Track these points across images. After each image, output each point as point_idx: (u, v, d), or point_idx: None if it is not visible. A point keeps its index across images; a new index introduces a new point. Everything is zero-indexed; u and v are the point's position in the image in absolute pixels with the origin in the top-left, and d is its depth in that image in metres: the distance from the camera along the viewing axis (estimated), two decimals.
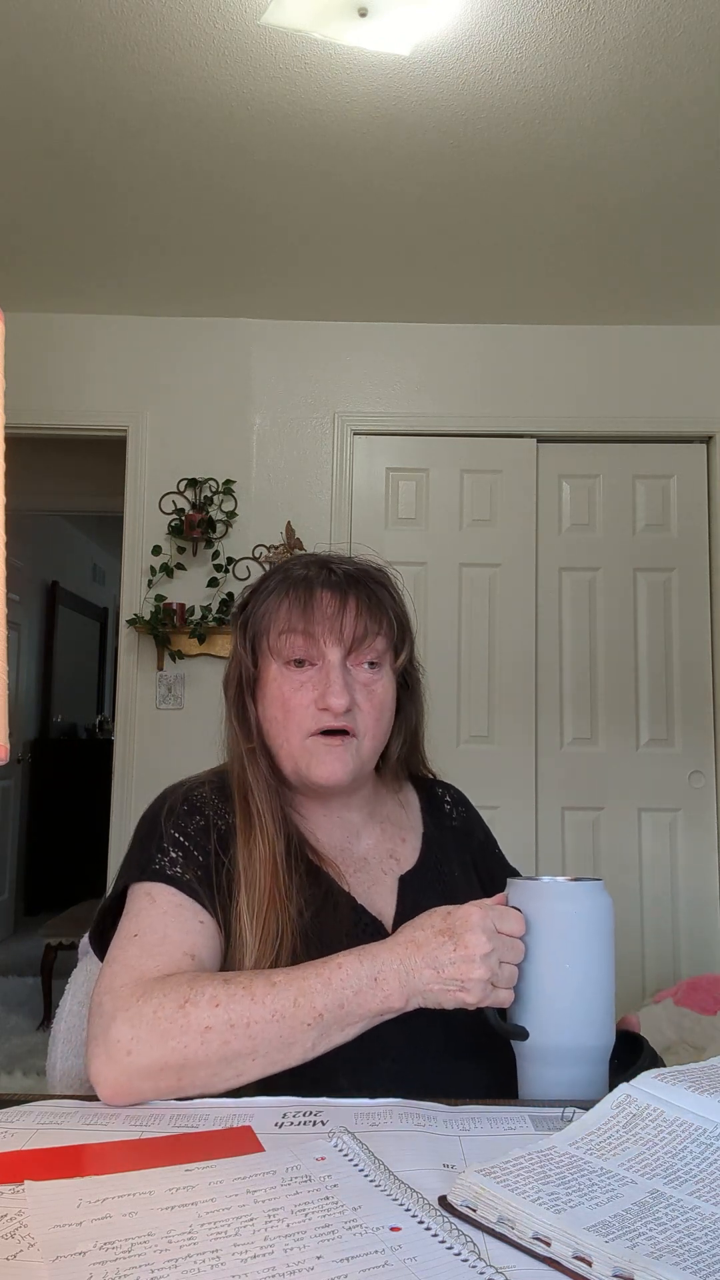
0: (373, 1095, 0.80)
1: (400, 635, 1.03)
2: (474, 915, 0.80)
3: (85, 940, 1.16)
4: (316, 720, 0.97)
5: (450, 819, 1.14)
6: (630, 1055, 0.88)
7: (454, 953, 0.79)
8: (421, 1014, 0.92)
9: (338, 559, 1.05)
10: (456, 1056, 0.93)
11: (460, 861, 1.10)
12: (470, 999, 0.79)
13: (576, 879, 0.85)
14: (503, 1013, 0.82)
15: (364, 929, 0.97)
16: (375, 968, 0.80)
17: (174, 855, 0.94)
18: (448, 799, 1.17)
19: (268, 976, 0.81)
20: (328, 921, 0.94)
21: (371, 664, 1.00)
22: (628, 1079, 0.84)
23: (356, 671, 0.99)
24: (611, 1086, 0.83)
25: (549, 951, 0.81)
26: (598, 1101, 0.71)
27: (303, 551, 1.12)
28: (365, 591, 1.01)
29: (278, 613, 0.99)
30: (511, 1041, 0.83)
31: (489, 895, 1.06)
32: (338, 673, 0.97)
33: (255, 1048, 0.78)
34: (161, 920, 0.89)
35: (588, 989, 0.81)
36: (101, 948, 0.98)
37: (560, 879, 0.85)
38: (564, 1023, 0.81)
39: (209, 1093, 0.79)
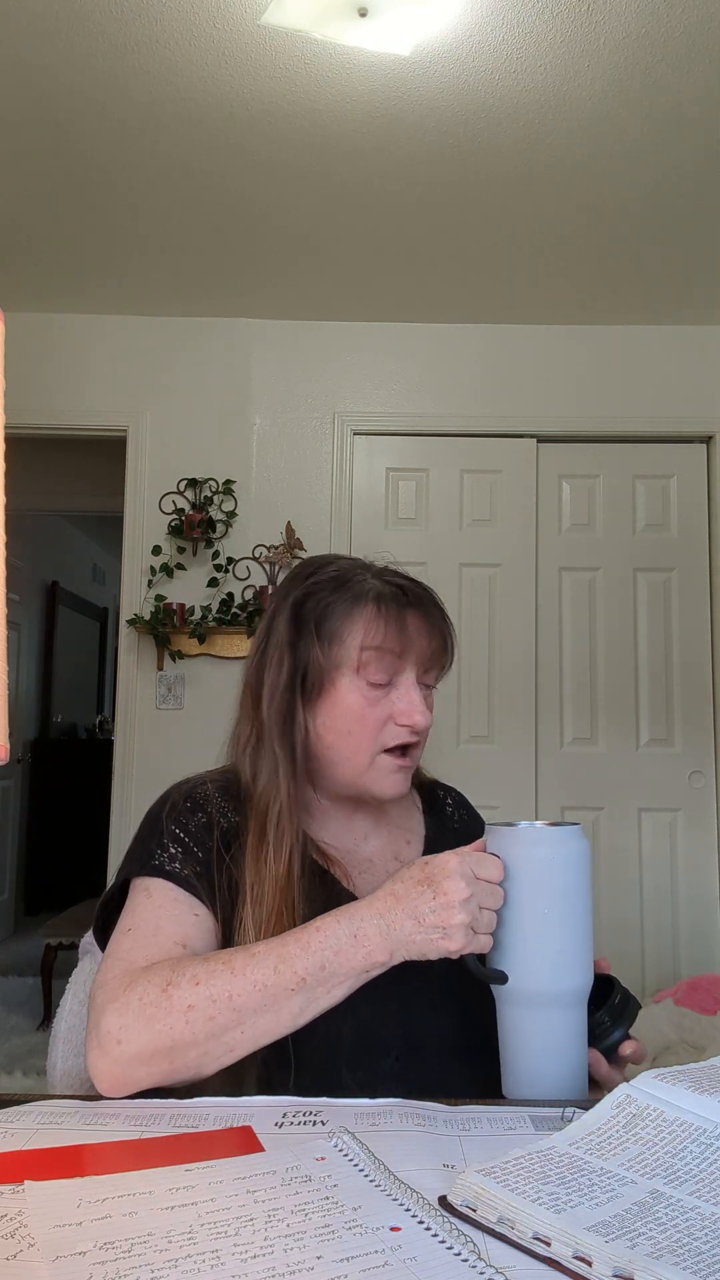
0: (375, 1092, 0.80)
1: (452, 654, 1.05)
2: (452, 862, 0.80)
3: (85, 940, 1.16)
4: (394, 736, 0.98)
5: (452, 821, 1.15)
6: (603, 996, 0.88)
7: (434, 900, 0.79)
8: (425, 1012, 0.92)
9: (392, 569, 1.05)
10: (458, 1055, 0.93)
11: None
12: (452, 945, 0.79)
13: (554, 824, 0.85)
14: (482, 959, 0.83)
15: None
16: (354, 925, 0.80)
17: (174, 851, 0.94)
18: (449, 801, 1.17)
19: (248, 949, 0.81)
20: None
21: (430, 684, 1.02)
22: (604, 1019, 0.85)
23: (420, 688, 1.01)
24: (590, 1029, 0.83)
25: (527, 896, 0.81)
26: (597, 1101, 0.71)
27: (338, 556, 1.10)
28: (439, 614, 1.02)
29: (361, 626, 0.98)
30: (495, 996, 0.83)
31: None
32: (418, 693, 0.99)
33: (240, 1020, 0.78)
34: (155, 914, 0.90)
35: (566, 932, 0.81)
36: (104, 941, 0.98)
37: (538, 824, 0.85)
38: (543, 966, 0.81)
39: (204, 1072, 0.80)
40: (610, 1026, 0.85)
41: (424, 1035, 0.92)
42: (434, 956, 0.80)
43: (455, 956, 0.80)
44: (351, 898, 0.98)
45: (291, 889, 0.93)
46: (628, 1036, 0.87)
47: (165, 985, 0.79)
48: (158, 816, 0.98)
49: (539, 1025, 0.81)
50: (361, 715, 0.97)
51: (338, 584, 1.01)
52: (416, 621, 0.99)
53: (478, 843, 0.85)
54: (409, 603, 1.00)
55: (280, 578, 3.47)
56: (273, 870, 0.93)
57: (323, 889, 0.97)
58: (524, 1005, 0.82)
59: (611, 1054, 0.86)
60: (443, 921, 0.78)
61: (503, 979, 0.81)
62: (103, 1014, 0.80)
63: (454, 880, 0.79)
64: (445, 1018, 0.94)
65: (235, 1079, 0.86)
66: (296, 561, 3.45)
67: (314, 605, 1.00)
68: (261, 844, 0.95)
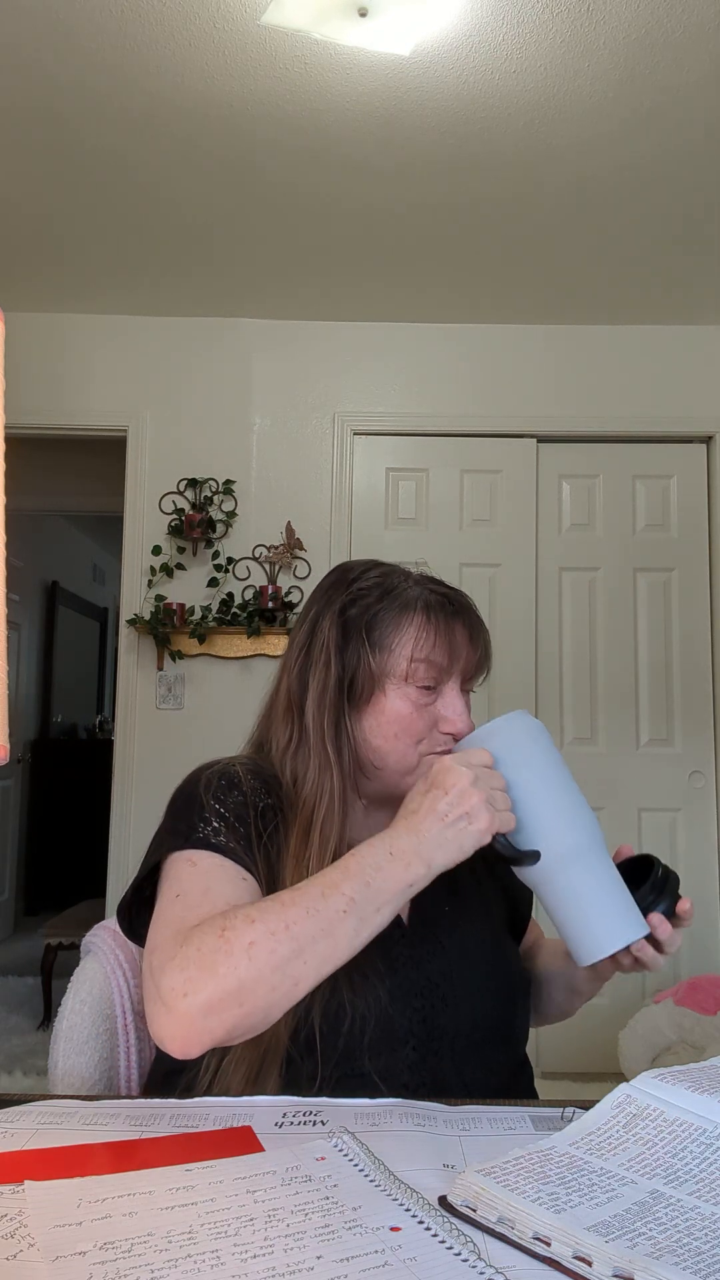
0: (393, 1080, 0.83)
1: (490, 661, 1.08)
2: (444, 760, 0.86)
3: (88, 939, 1.16)
4: (437, 742, 1.00)
5: None
6: (645, 875, 0.93)
7: (446, 796, 0.83)
8: (443, 1005, 0.94)
9: (439, 582, 1.06)
10: (474, 1049, 0.94)
11: None
12: (481, 824, 0.83)
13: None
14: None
15: None
16: (388, 844, 0.83)
17: (216, 825, 0.94)
18: None
19: (291, 888, 0.82)
20: None
21: (471, 690, 1.05)
22: (648, 895, 0.90)
23: (462, 694, 1.04)
24: (638, 905, 0.89)
25: (518, 774, 0.88)
26: (597, 1102, 0.71)
27: (376, 562, 1.12)
28: (480, 624, 1.05)
29: (411, 636, 0.99)
30: (535, 880, 0.88)
31: (494, 878, 1.11)
32: (462, 701, 1.02)
33: (300, 947, 0.78)
34: (203, 878, 0.89)
35: (564, 793, 0.88)
36: (127, 923, 0.99)
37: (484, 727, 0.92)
38: (559, 825, 0.87)
39: (272, 1014, 0.78)
40: (655, 900, 0.90)
41: (441, 1028, 0.93)
42: (470, 846, 0.83)
43: (486, 839, 0.84)
44: None
45: None
46: (677, 899, 0.92)
47: (221, 930, 0.79)
48: (193, 794, 0.97)
49: (579, 881, 0.86)
50: (410, 721, 0.99)
51: (383, 591, 1.02)
52: (463, 632, 1.02)
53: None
54: (455, 612, 1.02)
55: (280, 578, 3.48)
56: (311, 868, 0.93)
57: None
58: (563, 869, 0.86)
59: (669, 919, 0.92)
60: (463, 807, 0.83)
61: (536, 856, 0.86)
62: (162, 974, 0.78)
63: (454, 771, 0.84)
64: (463, 1012, 0.95)
65: (258, 1068, 0.87)
66: (297, 561, 3.48)
67: (360, 612, 1.01)
68: (304, 848, 0.95)
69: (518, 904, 1.14)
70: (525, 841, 0.86)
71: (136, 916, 0.98)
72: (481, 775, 0.84)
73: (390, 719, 0.99)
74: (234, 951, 0.77)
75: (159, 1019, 0.77)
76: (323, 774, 0.98)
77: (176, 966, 0.78)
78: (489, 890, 1.10)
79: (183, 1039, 0.76)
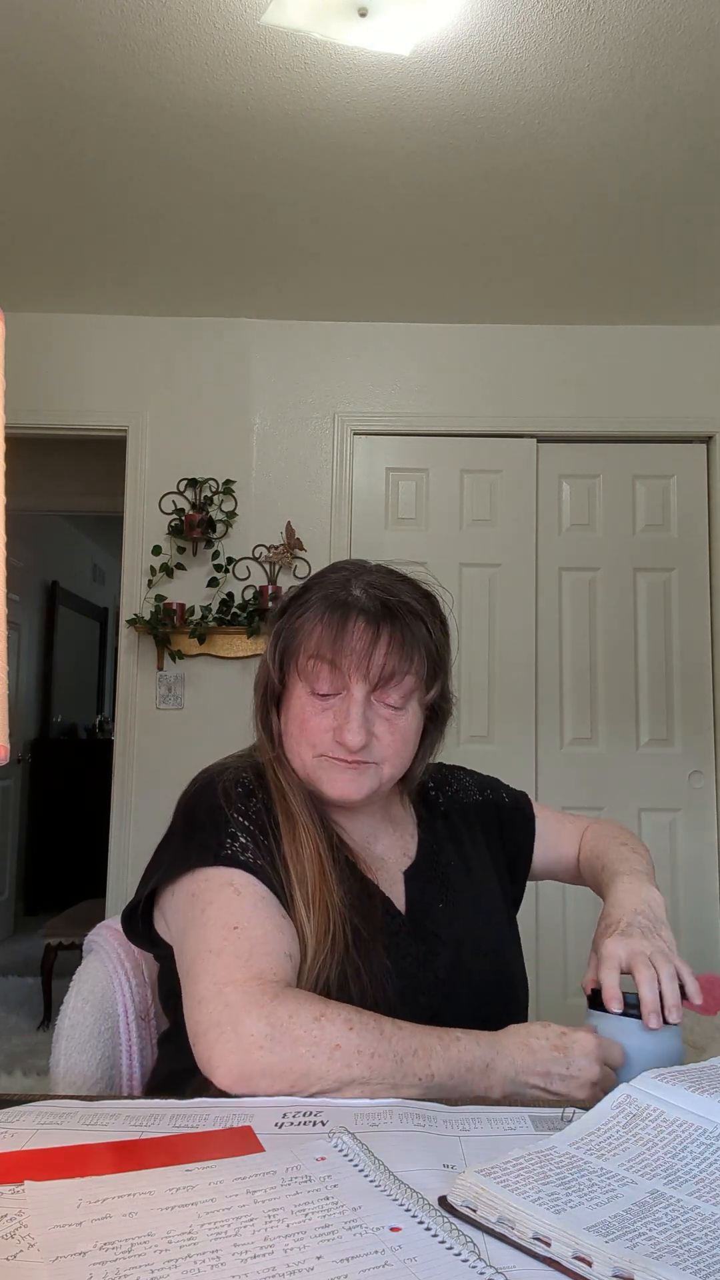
0: None
1: (432, 672, 1.01)
2: (590, 1043, 0.84)
3: (89, 938, 1.16)
4: (331, 747, 0.98)
5: (439, 806, 1.17)
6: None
7: (567, 1070, 0.82)
8: (445, 1000, 0.95)
9: (380, 581, 1.01)
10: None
11: (454, 844, 1.13)
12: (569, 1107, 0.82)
13: (634, 1010, 0.88)
14: None
15: (392, 919, 1.00)
16: (491, 1054, 0.83)
17: (244, 841, 0.94)
18: (432, 785, 1.19)
19: (392, 1021, 0.83)
20: (368, 914, 0.97)
21: (396, 704, 0.98)
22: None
23: (379, 706, 0.98)
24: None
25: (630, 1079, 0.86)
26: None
27: (346, 563, 1.10)
28: (400, 625, 0.98)
29: (310, 635, 0.98)
30: None
31: (501, 852, 1.13)
32: (358, 709, 0.96)
33: (369, 1079, 0.79)
34: (255, 913, 0.90)
35: None
36: (132, 929, 0.99)
37: (636, 1019, 0.88)
38: None
39: (313, 1098, 0.80)
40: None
41: (447, 1025, 0.94)
42: (540, 1105, 0.83)
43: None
44: (378, 889, 1.01)
45: (325, 869, 0.95)
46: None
47: (318, 1016, 0.80)
48: (215, 804, 0.97)
49: None
50: (303, 721, 0.99)
51: (312, 591, 1.03)
52: (361, 632, 0.96)
53: (589, 1026, 0.88)
54: (360, 610, 0.97)
55: (280, 577, 3.48)
56: (307, 850, 0.95)
57: (355, 880, 0.99)
58: None
59: None
60: (569, 1091, 0.82)
61: None
62: (245, 1013, 0.80)
63: (590, 1061, 0.83)
64: (465, 1007, 0.96)
65: None
66: (297, 561, 3.48)
67: (289, 618, 1.03)
68: (291, 828, 0.97)
69: (519, 850, 1.18)
70: None
71: (142, 920, 0.98)
72: (606, 1078, 0.83)
73: (291, 717, 1.01)
74: (320, 1044, 0.79)
75: (226, 1048, 0.79)
76: (280, 767, 1.02)
77: (263, 1017, 0.79)
78: (485, 858, 1.12)
79: (237, 1080, 0.78)
